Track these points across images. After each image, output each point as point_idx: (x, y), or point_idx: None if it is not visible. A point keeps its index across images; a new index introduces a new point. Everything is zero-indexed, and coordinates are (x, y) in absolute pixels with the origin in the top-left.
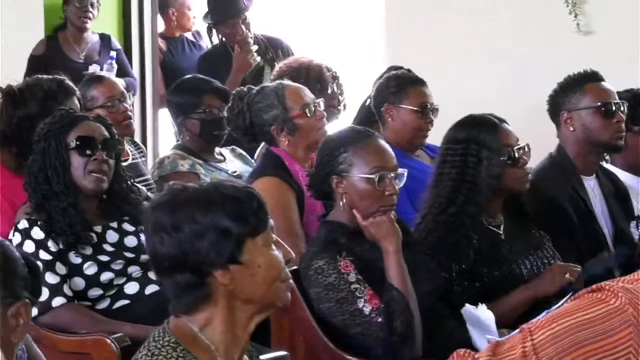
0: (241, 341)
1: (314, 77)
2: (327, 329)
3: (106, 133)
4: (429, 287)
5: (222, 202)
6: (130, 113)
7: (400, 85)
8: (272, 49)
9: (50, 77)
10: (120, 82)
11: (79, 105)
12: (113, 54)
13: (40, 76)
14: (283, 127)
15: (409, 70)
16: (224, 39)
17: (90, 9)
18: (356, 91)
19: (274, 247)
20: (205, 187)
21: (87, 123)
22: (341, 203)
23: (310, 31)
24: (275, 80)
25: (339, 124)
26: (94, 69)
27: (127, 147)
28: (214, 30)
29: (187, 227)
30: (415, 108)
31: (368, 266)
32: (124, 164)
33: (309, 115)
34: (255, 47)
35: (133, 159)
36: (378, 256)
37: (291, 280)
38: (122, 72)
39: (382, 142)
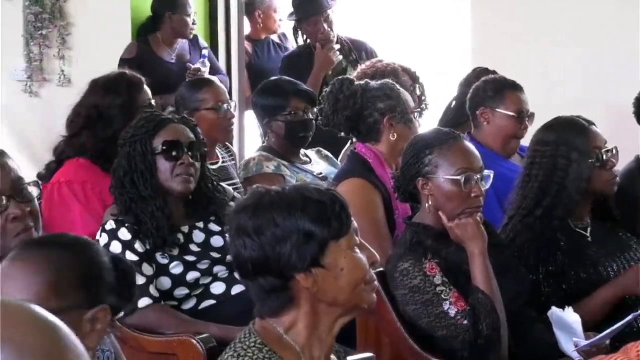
0: (326, 343)
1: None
2: (412, 331)
3: (191, 135)
4: (515, 290)
5: (305, 205)
6: (232, 120)
7: (498, 90)
8: (355, 51)
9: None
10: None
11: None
12: (205, 52)
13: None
14: (401, 117)
15: (494, 72)
16: (307, 39)
17: (194, 19)
18: (442, 93)
19: (357, 249)
20: (288, 191)
21: (173, 126)
22: (427, 205)
23: (396, 33)
24: None
25: (422, 125)
26: (198, 64)
27: (217, 150)
28: (299, 32)
29: (269, 231)
30: (512, 113)
31: (454, 268)
32: (213, 167)
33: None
34: (337, 46)
35: (222, 162)
36: (464, 258)
37: (376, 282)
38: (213, 70)
39: (468, 144)
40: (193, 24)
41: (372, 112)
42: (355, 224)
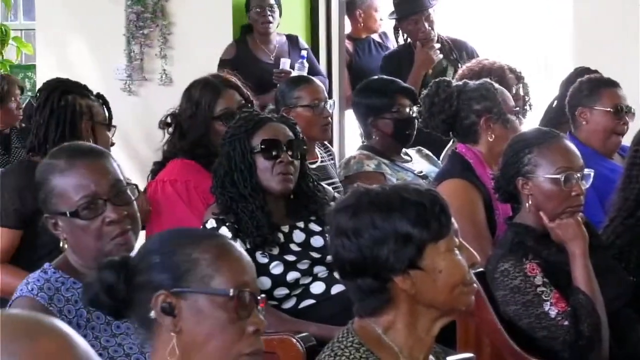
0: (425, 344)
1: (496, 79)
2: (512, 332)
3: (290, 134)
4: (616, 292)
5: (404, 206)
6: (330, 119)
7: (593, 88)
8: (456, 50)
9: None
10: None
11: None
12: (304, 53)
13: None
14: (498, 118)
15: (595, 71)
16: (408, 39)
17: (270, 13)
18: (544, 92)
19: (457, 251)
20: (388, 191)
21: (271, 125)
22: (527, 205)
23: (498, 32)
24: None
25: (526, 125)
26: (284, 62)
27: (317, 150)
28: (400, 31)
29: (368, 233)
30: (609, 109)
31: (554, 269)
32: (313, 166)
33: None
34: (437, 45)
35: (322, 161)
36: (565, 259)
37: (475, 285)
38: (312, 72)
39: (568, 143)
40: (264, 15)
41: (469, 114)
42: (455, 225)
